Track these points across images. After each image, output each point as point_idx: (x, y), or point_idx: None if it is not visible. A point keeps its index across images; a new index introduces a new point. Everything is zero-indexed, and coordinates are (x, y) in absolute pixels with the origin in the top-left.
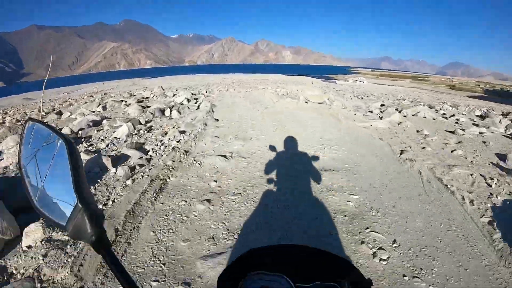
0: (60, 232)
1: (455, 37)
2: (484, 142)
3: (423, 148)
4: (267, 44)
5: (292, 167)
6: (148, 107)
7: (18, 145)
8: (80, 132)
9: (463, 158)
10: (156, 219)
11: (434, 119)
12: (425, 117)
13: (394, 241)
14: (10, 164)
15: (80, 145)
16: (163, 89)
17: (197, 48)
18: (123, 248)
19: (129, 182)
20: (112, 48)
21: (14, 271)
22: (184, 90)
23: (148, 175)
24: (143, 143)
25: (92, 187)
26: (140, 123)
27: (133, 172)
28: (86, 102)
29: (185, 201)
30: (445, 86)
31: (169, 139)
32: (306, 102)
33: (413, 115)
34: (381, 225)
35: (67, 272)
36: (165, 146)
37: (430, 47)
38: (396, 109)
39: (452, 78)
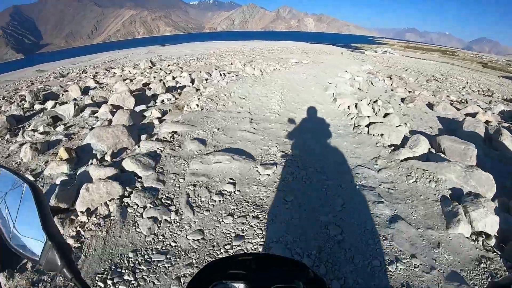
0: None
1: (483, 11)
2: None
3: None
4: (289, 11)
5: None
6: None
7: None
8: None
9: None
10: None
11: None
12: None
13: None
14: None
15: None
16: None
17: (217, 14)
18: None
19: None
20: (131, 16)
21: None
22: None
23: None
24: None
25: None
26: None
27: None
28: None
29: None
30: (476, 63)
31: None
32: None
33: None
34: None
35: None
36: None
37: (458, 20)
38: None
39: (482, 55)
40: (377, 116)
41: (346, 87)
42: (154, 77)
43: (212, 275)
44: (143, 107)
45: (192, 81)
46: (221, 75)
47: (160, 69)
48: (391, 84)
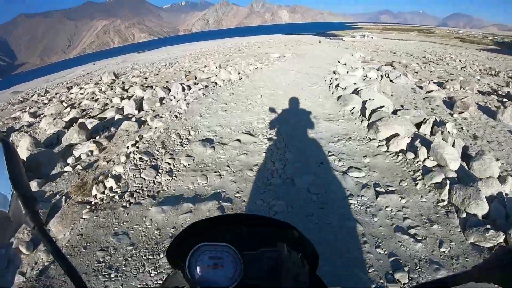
0: None
1: None
2: None
3: None
4: (262, 5)
5: None
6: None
7: None
8: None
9: None
10: None
11: None
12: None
13: None
14: None
15: None
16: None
17: (190, 15)
18: None
19: None
20: (104, 26)
21: None
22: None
23: None
24: None
25: None
26: None
27: None
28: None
29: None
30: (453, 39)
31: None
32: None
33: None
34: None
35: None
36: None
37: None
38: None
39: (458, 30)
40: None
41: (379, 97)
42: (105, 97)
43: (198, 235)
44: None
45: (140, 107)
46: (183, 89)
47: (123, 82)
48: (418, 79)
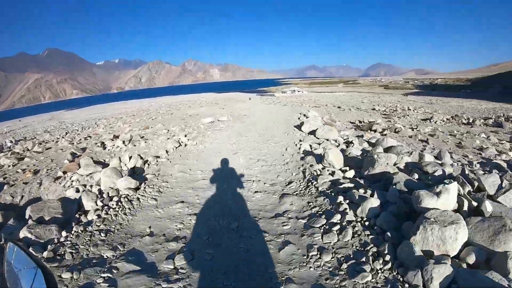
0: None
1: (374, 40)
2: None
3: None
4: (195, 63)
5: None
6: None
7: (1, 262)
8: None
9: None
10: None
11: None
12: None
13: None
14: None
15: None
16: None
17: (124, 73)
18: None
19: None
20: (36, 79)
21: None
22: None
23: None
24: None
25: None
26: None
27: None
28: None
29: None
30: (378, 87)
31: None
32: None
33: None
34: None
35: None
36: None
37: (353, 52)
38: None
39: (381, 79)
40: None
41: None
42: None
43: None
44: None
45: None
46: None
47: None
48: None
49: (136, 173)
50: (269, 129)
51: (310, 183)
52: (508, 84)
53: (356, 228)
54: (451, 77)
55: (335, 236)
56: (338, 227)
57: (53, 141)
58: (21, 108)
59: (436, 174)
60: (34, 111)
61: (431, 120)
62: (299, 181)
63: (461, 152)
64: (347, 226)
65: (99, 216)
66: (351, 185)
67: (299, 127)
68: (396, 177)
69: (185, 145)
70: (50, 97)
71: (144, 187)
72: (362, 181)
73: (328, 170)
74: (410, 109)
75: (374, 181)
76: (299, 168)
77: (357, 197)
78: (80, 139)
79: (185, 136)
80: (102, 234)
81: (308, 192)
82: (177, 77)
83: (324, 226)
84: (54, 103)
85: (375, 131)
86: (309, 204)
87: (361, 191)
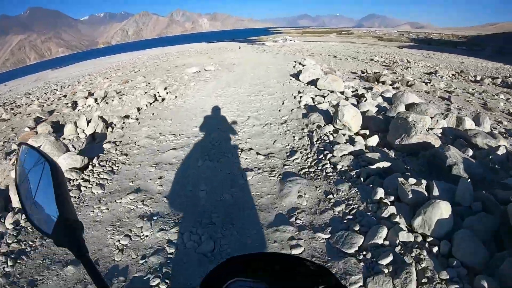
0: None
1: None
2: None
3: None
4: (183, 14)
5: None
6: None
7: (14, 166)
8: None
9: None
10: None
11: None
12: None
13: None
14: None
15: None
16: None
17: (110, 27)
18: None
19: None
20: (20, 41)
21: None
22: None
23: None
24: None
25: None
26: None
27: None
28: None
29: None
30: (372, 38)
31: None
32: None
33: None
34: None
35: None
36: None
37: (346, 1)
38: None
39: (375, 30)
40: None
41: None
42: None
43: (233, 271)
44: None
45: None
46: None
47: None
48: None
49: (96, 141)
50: (262, 79)
51: (322, 156)
52: (505, 45)
53: (424, 264)
54: (446, 32)
55: (389, 283)
56: (389, 258)
57: (26, 104)
58: (6, 73)
59: (488, 149)
60: (21, 73)
61: (436, 75)
62: (305, 150)
63: (492, 117)
64: (405, 256)
65: (16, 224)
66: (387, 164)
67: (296, 76)
68: (450, 154)
69: (163, 99)
70: (35, 57)
71: (93, 166)
72: (393, 154)
73: (344, 135)
74: (409, 62)
75: (408, 154)
76: (302, 129)
77: (410, 195)
78: (53, 100)
79: (165, 89)
80: (9, 264)
81: (322, 171)
82: (165, 28)
83: (362, 253)
84: (40, 63)
85: (383, 83)
86: (328, 196)
87: (411, 180)
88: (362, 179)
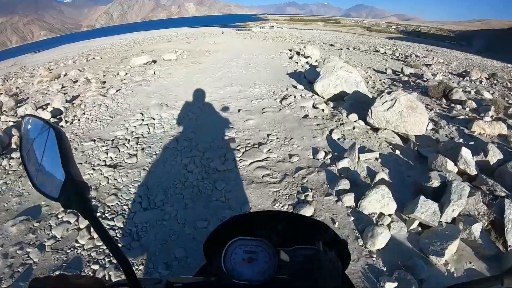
0: None
1: None
2: None
3: None
4: None
5: None
6: None
7: (19, 138)
8: None
9: None
10: None
11: None
12: None
13: None
14: None
15: None
16: None
17: (94, 9)
18: None
19: None
20: (1, 23)
21: None
22: None
23: None
24: None
25: None
26: None
27: None
28: None
29: None
30: (360, 28)
31: None
32: None
33: None
34: None
35: None
36: None
37: None
38: None
39: (362, 20)
40: None
41: None
42: None
43: (235, 229)
44: None
45: None
46: None
47: None
48: None
49: None
50: (243, 78)
51: None
52: (491, 41)
53: None
54: (433, 26)
55: None
56: None
57: None
58: None
59: None
60: (2, 56)
61: (471, 79)
62: None
63: None
64: None
65: None
66: None
67: (305, 80)
68: None
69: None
70: (17, 41)
71: None
72: None
73: None
74: (423, 57)
75: None
76: None
77: None
78: None
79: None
80: None
81: None
82: (150, 12)
83: None
84: (22, 46)
85: (455, 102)
86: None
87: None
88: None
